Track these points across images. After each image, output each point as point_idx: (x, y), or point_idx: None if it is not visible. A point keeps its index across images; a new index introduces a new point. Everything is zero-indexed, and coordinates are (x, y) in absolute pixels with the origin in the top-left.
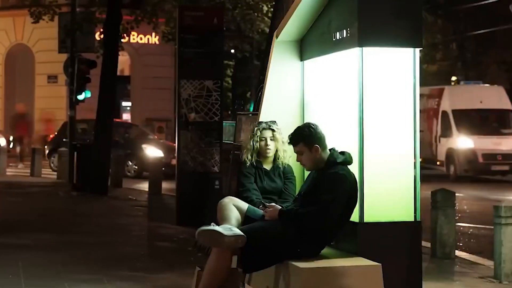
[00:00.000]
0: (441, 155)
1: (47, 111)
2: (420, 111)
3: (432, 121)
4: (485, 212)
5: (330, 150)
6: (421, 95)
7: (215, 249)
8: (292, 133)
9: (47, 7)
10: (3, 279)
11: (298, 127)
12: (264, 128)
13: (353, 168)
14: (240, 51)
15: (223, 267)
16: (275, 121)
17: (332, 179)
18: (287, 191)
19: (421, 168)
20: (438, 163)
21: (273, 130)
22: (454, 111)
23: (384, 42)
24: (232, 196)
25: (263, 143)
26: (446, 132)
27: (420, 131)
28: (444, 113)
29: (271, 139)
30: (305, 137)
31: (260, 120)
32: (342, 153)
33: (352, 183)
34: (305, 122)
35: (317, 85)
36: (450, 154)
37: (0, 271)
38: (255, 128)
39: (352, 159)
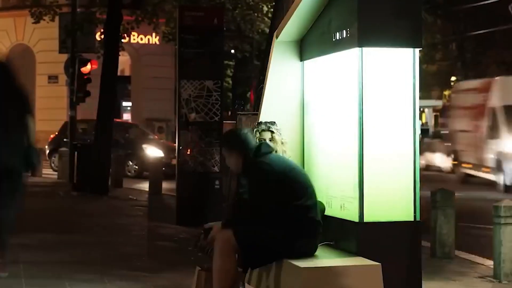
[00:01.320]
0: (489, 160)
1: None
2: (465, 108)
3: (479, 120)
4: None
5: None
6: (466, 90)
7: (218, 249)
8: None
9: (48, 7)
10: (3, 279)
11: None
12: (263, 130)
13: (353, 168)
14: (240, 51)
15: (230, 267)
16: (274, 122)
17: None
18: None
19: (469, 176)
20: (486, 169)
21: (272, 132)
22: (505, 108)
23: (383, 42)
24: (232, 196)
25: None
26: (494, 133)
27: (465, 131)
28: (493, 110)
29: (270, 140)
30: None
31: (259, 121)
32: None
33: (272, 170)
34: (304, 122)
35: (317, 85)
36: (500, 159)
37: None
38: (255, 129)
39: (268, 147)
